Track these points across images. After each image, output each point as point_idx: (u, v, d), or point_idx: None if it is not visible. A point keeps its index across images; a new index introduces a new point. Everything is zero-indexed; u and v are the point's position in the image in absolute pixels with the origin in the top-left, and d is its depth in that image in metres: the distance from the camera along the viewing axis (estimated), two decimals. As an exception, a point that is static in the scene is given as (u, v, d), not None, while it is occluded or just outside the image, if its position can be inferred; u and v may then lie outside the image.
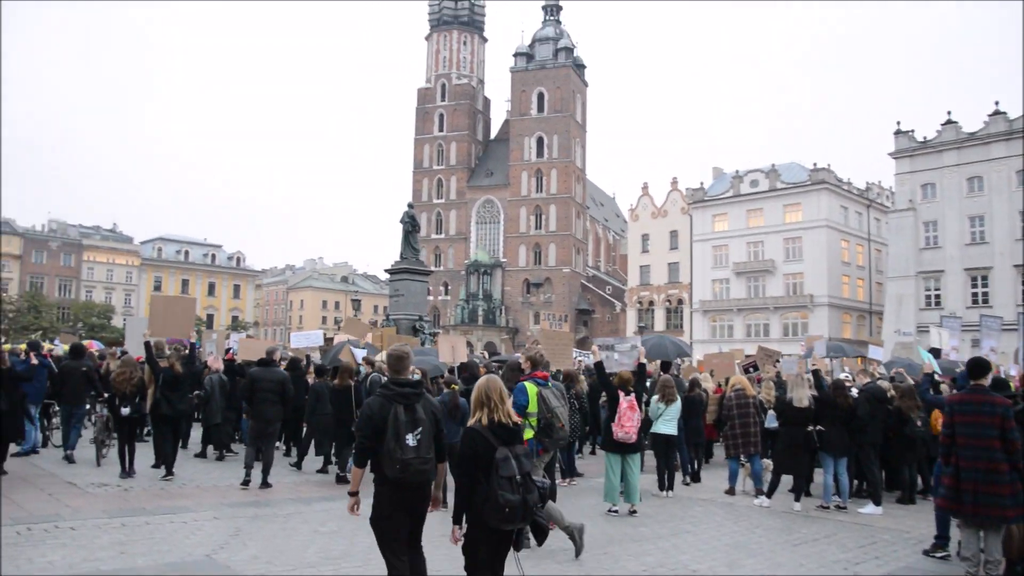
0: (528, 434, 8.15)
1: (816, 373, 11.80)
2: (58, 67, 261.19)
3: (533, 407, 8.37)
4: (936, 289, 51.32)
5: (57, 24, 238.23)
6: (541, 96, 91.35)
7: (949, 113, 52.84)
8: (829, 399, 11.17)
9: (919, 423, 11.72)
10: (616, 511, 10.24)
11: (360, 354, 14.58)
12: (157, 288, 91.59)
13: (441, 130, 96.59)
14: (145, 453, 12.98)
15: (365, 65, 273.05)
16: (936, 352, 16.49)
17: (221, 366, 15.11)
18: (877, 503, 11.11)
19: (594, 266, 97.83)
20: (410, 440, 5.09)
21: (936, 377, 15.35)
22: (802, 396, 11.16)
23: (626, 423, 9.99)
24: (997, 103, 49.55)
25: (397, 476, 5.10)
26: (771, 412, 12.94)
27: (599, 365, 10.61)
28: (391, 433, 5.10)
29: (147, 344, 12.46)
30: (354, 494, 5.30)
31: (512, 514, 4.79)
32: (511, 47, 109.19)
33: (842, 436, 11.12)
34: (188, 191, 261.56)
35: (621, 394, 10.13)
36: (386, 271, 34.31)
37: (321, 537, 8.32)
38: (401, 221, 32.61)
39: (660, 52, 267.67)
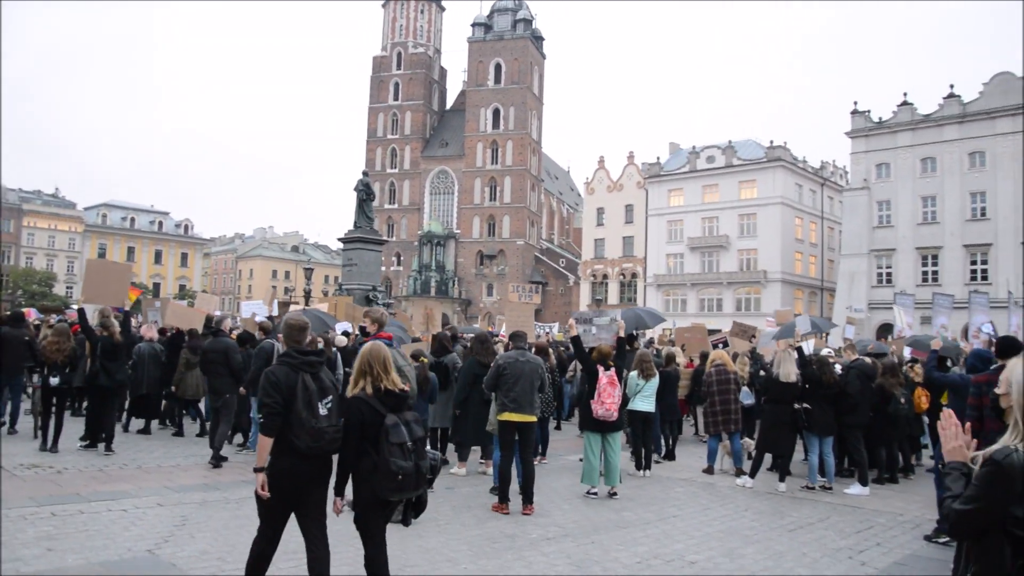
0: None
1: (800, 350, 11.28)
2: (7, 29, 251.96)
3: None
4: (888, 267, 51.78)
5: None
6: (498, 67, 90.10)
7: (905, 95, 52.69)
8: (815, 377, 10.64)
9: (903, 401, 11.32)
10: (595, 493, 9.62)
11: (343, 327, 13.86)
12: (102, 255, 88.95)
13: (396, 99, 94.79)
14: (76, 429, 11.98)
15: (319, 31, 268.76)
16: (888, 329, 16.40)
17: (155, 335, 14.31)
18: (864, 483, 10.66)
19: (548, 239, 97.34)
20: (322, 409, 4.86)
21: (911, 354, 15.09)
22: (789, 372, 10.56)
23: (607, 399, 9.29)
24: (952, 86, 50.14)
25: (310, 446, 4.80)
26: (744, 388, 12.52)
27: (576, 339, 9.91)
28: (302, 402, 4.83)
29: (81, 311, 11.98)
30: (261, 470, 4.84)
31: (405, 481, 4.70)
32: (469, 17, 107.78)
33: (827, 415, 10.63)
34: (134, 157, 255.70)
35: (600, 369, 9.44)
36: (339, 240, 33.38)
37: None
38: (355, 189, 31.74)
39: (617, 26, 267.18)
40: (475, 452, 11.56)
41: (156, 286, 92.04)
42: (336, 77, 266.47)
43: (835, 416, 10.74)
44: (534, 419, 8.91)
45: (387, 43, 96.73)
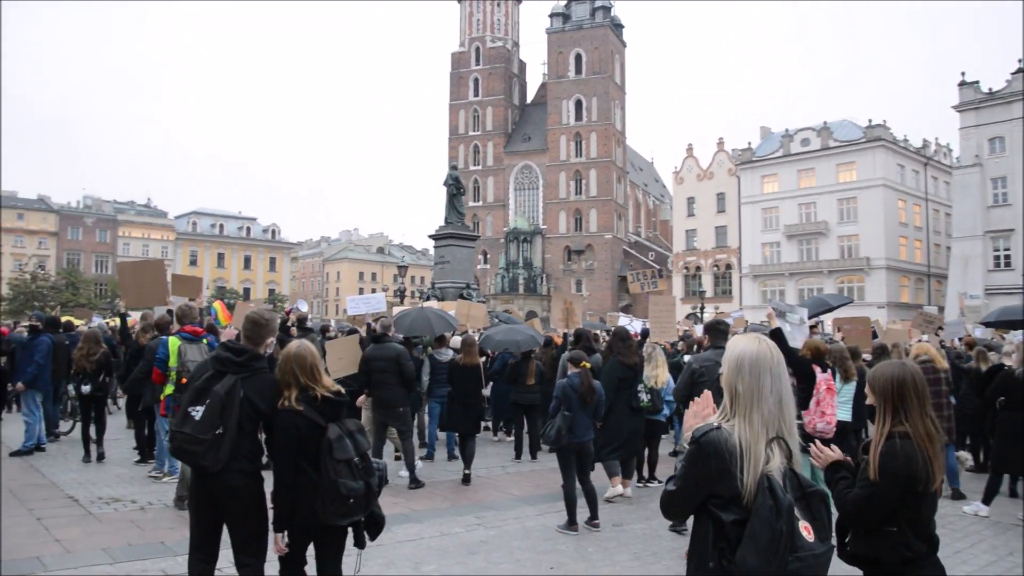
0: (168, 390, 8.13)
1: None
2: (92, 43, 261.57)
3: (174, 362, 8.14)
4: (1006, 249, 48.54)
5: None
6: (579, 57, 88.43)
7: (1021, 61, 49.26)
8: None
9: None
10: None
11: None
12: (193, 262, 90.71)
13: (476, 95, 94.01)
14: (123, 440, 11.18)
15: (397, 31, 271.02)
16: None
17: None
18: None
19: (635, 232, 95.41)
20: (193, 412, 4.22)
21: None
22: None
23: (827, 410, 7.55)
24: (1074, 49, 46.55)
25: (171, 452, 4.48)
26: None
27: (778, 333, 7.24)
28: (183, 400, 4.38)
29: (122, 316, 11.76)
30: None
31: (356, 504, 4.08)
32: (546, 8, 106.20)
33: None
34: (222, 165, 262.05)
35: (817, 370, 7.57)
36: (430, 237, 32.66)
37: None
38: (445, 184, 31.06)
39: (698, 9, 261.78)
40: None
41: (246, 291, 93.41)
42: (416, 76, 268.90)
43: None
44: None
45: (465, 39, 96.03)
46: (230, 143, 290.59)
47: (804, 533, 2.64)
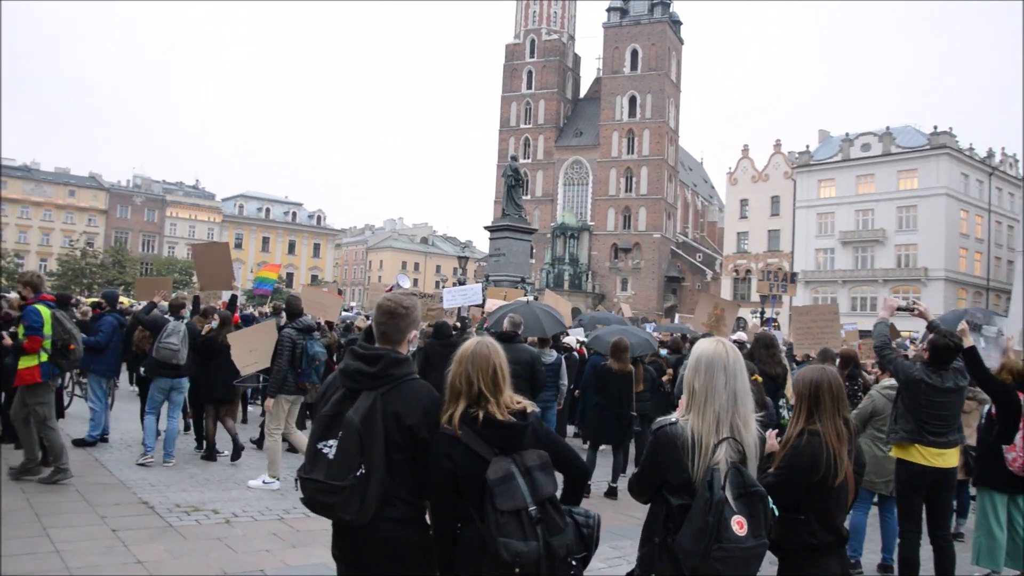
0: (43, 357, 7.82)
1: None
2: (147, 26, 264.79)
3: (48, 329, 7.89)
4: (1076, 264, 46.78)
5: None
6: (635, 53, 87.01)
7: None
8: None
9: None
10: None
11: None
12: (238, 245, 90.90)
13: (529, 88, 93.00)
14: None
15: (451, 23, 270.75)
16: None
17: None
18: None
19: (683, 232, 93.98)
20: (325, 449, 3.08)
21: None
22: None
23: None
24: None
25: (303, 503, 3.20)
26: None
27: (973, 353, 6.14)
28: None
29: (195, 299, 11.45)
30: None
31: (525, 573, 2.85)
32: (604, 2, 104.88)
33: None
34: (270, 149, 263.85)
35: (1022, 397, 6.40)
36: (486, 228, 32.16)
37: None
38: (504, 175, 30.70)
39: (758, 8, 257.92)
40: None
41: (289, 276, 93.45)
42: (468, 68, 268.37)
43: None
44: (955, 464, 6.09)
45: (520, 31, 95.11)
46: (279, 131, 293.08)
47: (736, 527, 2.86)
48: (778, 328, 32.77)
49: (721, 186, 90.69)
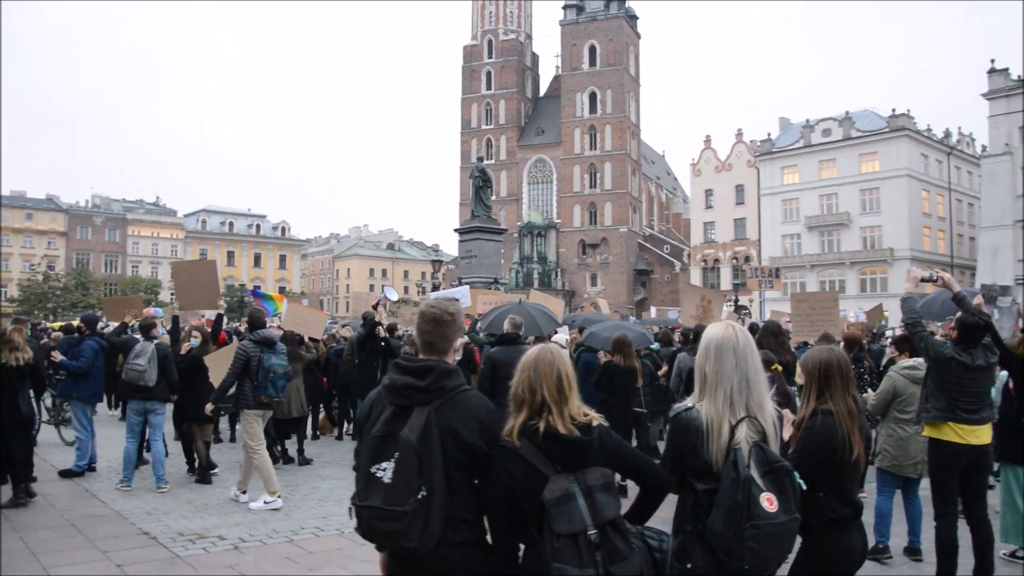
0: None
1: None
2: (96, 40, 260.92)
3: None
4: (1037, 238, 47.49)
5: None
6: (593, 49, 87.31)
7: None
8: None
9: None
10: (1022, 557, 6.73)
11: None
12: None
13: (489, 88, 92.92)
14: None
15: (407, 26, 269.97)
16: None
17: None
18: None
19: (649, 225, 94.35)
20: (379, 473, 2.82)
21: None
22: None
23: None
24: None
25: (359, 533, 2.95)
26: None
27: (991, 329, 5.98)
28: (359, 456, 2.98)
29: (174, 319, 11.32)
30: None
31: None
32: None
33: None
34: (230, 161, 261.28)
35: None
36: (456, 231, 31.95)
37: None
38: (471, 176, 30.58)
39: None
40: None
41: (256, 289, 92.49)
42: (427, 70, 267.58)
43: None
44: (988, 441, 5.95)
45: (477, 31, 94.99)
46: (238, 141, 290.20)
47: (766, 504, 2.83)
48: (748, 315, 32.91)
49: (684, 178, 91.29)
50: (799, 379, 4.00)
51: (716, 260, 70.66)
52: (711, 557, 2.88)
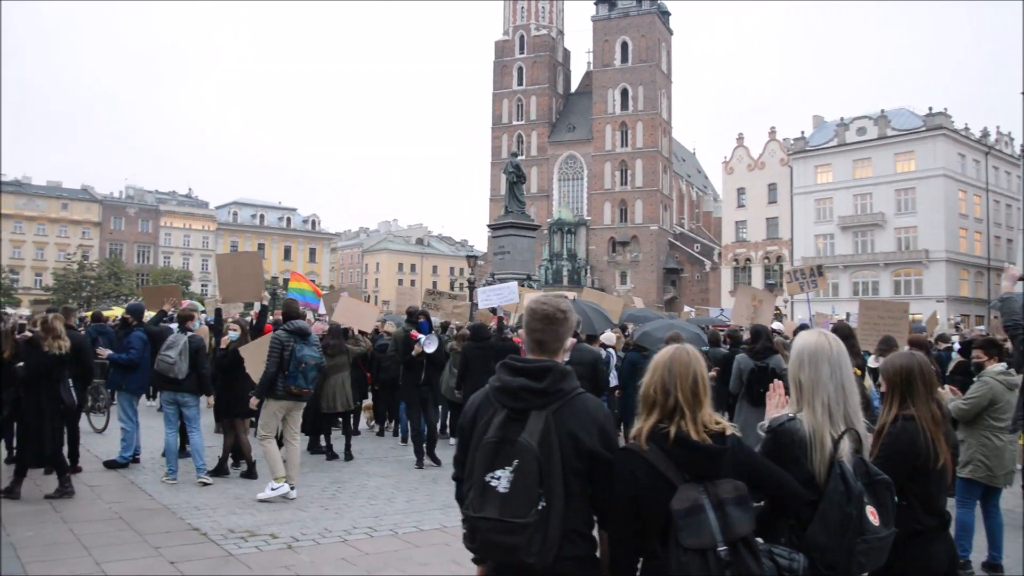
0: None
1: None
2: (135, 34, 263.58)
3: None
4: (1079, 240, 46.67)
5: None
6: (625, 45, 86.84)
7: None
8: None
9: None
10: None
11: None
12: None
13: (520, 84, 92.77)
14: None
15: (439, 21, 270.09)
16: None
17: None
18: None
19: (679, 223, 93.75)
20: (493, 482, 2.63)
21: None
22: None
23: None
24: None
25: (470, 547, 2.76)
26: None
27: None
28: (470, 464, 2.78)
29: (217, 311, 11.24)
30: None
31: None
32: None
33: None
34: (263, 155, 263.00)
35: None
36: (489, 226, 31.97)
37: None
38: (505, 171, 30.52)
39: None
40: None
41: (286, 282, 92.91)
42: (458, 66, 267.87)
43: None
44: None
45: (509, 27, 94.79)
46: (271, 136, 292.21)
47: (871, 518, 2.78)
48: (784, 316, 32.49)
49: (714, 176, 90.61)
50: (867, 383, 3.79)
51: (747, 260, 70.02)
52: (810, 570, 2.77)
